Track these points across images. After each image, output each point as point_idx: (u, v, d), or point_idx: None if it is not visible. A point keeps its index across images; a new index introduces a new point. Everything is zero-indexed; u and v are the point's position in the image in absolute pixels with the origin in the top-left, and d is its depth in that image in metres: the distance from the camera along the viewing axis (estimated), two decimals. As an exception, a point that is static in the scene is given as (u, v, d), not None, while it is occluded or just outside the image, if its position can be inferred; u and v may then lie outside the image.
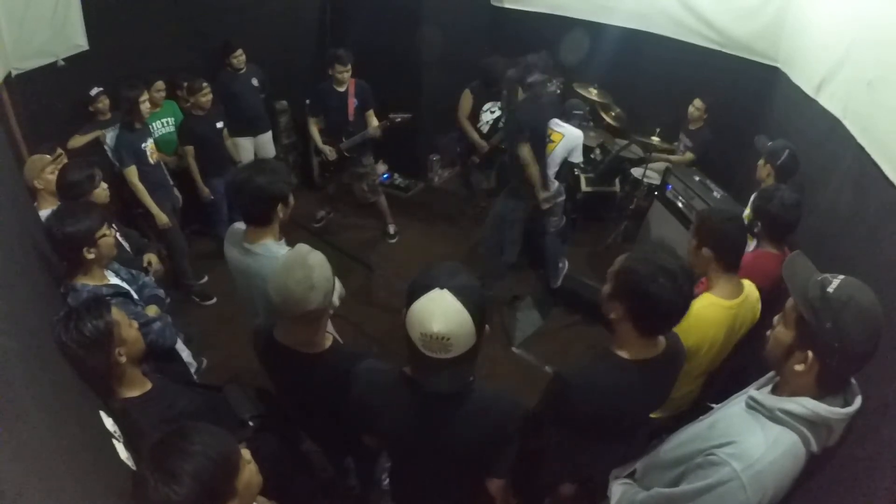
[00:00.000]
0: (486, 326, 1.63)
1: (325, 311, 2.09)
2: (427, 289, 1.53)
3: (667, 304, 1.74)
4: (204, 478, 1.34)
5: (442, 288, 1.52)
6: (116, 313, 2.12)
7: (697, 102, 5.22)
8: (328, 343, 2.23)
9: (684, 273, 1.77)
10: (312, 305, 1.96)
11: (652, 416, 2.48)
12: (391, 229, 6.08)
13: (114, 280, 2.77)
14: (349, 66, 5.11)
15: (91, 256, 2.57)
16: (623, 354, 1.91)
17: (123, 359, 2.08)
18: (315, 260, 2.03)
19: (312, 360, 2.16)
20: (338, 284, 2.27)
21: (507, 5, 6.58)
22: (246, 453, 1.54)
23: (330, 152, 5.39)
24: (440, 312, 1.50)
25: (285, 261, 2.03)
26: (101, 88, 4.59)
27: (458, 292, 1.51)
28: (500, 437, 1.79)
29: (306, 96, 6.12)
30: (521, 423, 1.83)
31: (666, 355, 1.95)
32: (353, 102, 5.28)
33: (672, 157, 5.38)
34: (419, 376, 1.67)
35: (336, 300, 2.33)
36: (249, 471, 1.52)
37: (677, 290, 1.73)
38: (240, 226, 2.65)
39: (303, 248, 2.10)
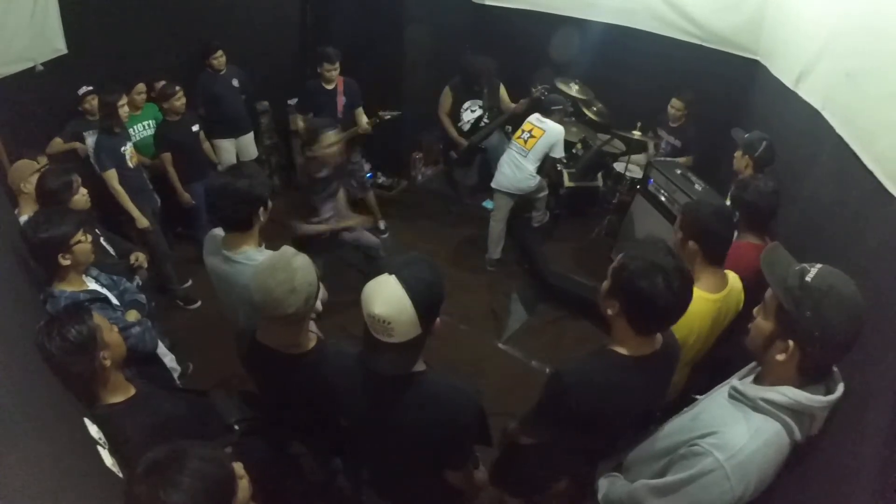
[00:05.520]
0: (437, 320, 1.71)
1: (306, 315, 2.08)
2: (379, 272, 1.61)
3: (661, 302, 1.71)
4: None
5: (390, 274, 1.59)
6: (97, 318, 2.11)
7: (676, 103, 5.23)
8: (312, 343, 2.22)
9: (681, 272, 1.74)
10: (292, 309, 1.95)
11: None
12: (381, 225, 6.10)
13: (92, 286, 2.75)
14: (337, 65, 5.15)
15: (66, 262, 2.56)
16: (620, 350, 1.90)
17: (108, 362, 2.07)
18: (299, 263, 2.02)
19: (296, 361, 2.15)
20: (321, 289, 2.26)
21: (487, 2, 6.56)
22: (239, 468, 1.51)
23: None
24: (383, 296, 1.58)
25: (269, 261, 2.02)
26: (90, 87, 4.56)
27: (405, 280, 1.58)
28: (451, 427, 1.80)
29: (289, 96, 6.13)
30: (476, 418, 1.84)
31: (662, 352, 1.94)
32: (342, 100, 5.30)
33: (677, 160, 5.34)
34: (366, 355, 1.74)
35: (319, 305, 2.32)
36: (242, 487, 1.50)
37: (671, 289, 1.70)
38: (218, 232, 2.60)
39: (288, 250, 2.08)
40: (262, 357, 2.17)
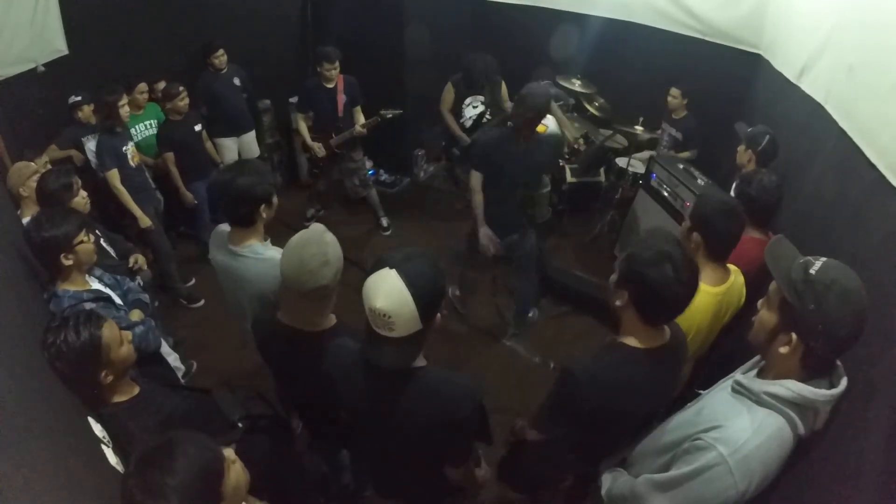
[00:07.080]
0: (438, 316, 1.72)
1: (334, 289, 2.11)
2: (380, 267, 1.63)
3: (669, 291, 1.72)
4: (189, 492, 1.33)
5: (391, 268, 1.60)
6: (108, 334, 2.05)
7: (674, 91, 5.21)
8: (332, 322, 2.24)
9: (688, 261, 1.75)
10: (325, 280, 1.99)
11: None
12: (384, 222, 6.12)
13: (96, 285, 2.75)
14: (337, 64, 5.13)
15: (69, 262, 2.56)
16: (630, 343, 1.90)
17: (109, 379, 2.05)
18: (330, 238, 2.07)
19: (317, 338, 2.16)
20: None
21: (488, -2, 6.55)
22: (230, 453, 1.52)
23: (319, 149, 5.39)
24: (384, 290, 1.59)
25: (300, 237, 2.05)
26: (78, 98, 4.54)
27: (405, 275, 1.59)
28: (451, 422, 1.80)
29: (290, 94, 6.12)
30: (476, 413, 1.83)
31: (671, 345, 1.94)
32: (342, 99, 5.29)
33: (680, 156, 5.33)
34: (367, 349, 1.75)
35: None
36: (235, 471, 1.50)
37: (680, 278, 1.71)
38: (224, 228, 2.63)
39: (318, 226, 2.13)
40: (283, 338, 2.19)
